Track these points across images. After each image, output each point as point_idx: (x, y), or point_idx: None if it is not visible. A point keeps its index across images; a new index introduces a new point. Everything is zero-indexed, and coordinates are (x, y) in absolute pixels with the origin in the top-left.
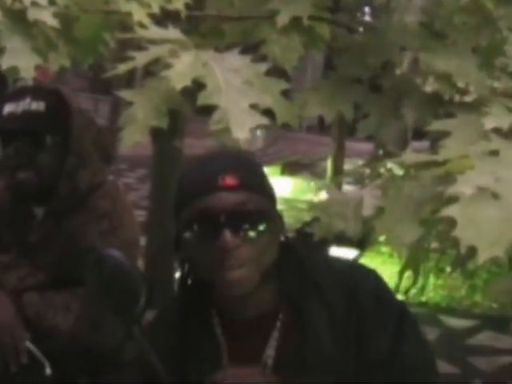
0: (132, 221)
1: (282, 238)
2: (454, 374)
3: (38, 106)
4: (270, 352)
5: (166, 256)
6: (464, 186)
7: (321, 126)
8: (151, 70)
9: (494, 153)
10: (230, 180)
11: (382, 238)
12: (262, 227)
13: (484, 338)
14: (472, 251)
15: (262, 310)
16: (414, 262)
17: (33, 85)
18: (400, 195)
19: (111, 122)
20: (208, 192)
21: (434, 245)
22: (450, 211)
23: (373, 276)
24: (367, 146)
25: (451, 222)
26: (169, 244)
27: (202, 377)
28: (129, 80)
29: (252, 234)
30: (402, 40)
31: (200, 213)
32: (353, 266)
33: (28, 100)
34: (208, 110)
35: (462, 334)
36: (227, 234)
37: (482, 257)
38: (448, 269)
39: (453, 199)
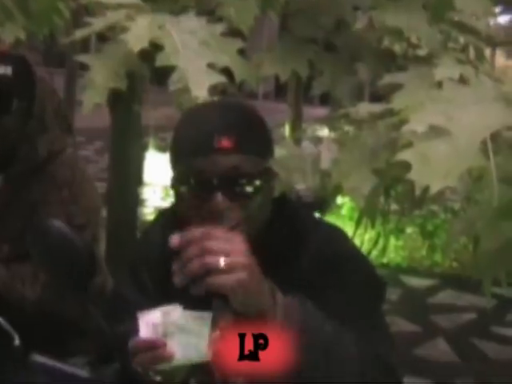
0: (92, 189)
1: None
2: (416, 333)
3: (5, 70)
4: None
5: (127, 227)
6: (417, 125)
7: (277, 93)
8: (107, 37)
9: (446, 96)
10: (225, 142)
11: (340, 201)
12: (255, 189)
13: (445, 296)
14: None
15: None
16: (370, 210)
17: None
18: (355, 145)
19: (67, 95)
20: (202, 153)
21: (394, 207)
22: (404, 155)
23: (354, 253)
24: (323, 111)
25: (405, 167)
26: (129, 215)
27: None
28: (83, 52)
29: (245, 196)
30: None
31: (193, 173)
32: (337, 238)
33: None
34: (162, 80)
35: (424, 293)
36: (219, 197)
37: (434, 188)
38: (408, 230)
39: (406, 145)
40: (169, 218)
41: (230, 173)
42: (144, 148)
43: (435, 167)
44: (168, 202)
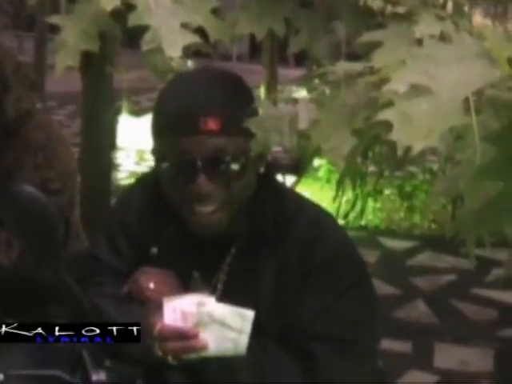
0: (68, 152)
1: (262, 170)
2: (396, 295)
3: None
4: (221, 276)
5: (101, 192)
6: (398, 84)
7: (251, 54)
8: None
9: (426, 54)
10: (211, 124)
11: (317, 163)
12: (239, 170)
13: (424, 258)
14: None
15: (223, 233)
16: (350, 171)
17: None
18: (334, 105)
19: (37, 59)
20: (187, 134)
21: (372, 168)
22: (385, 115)
23: (337, 236)
24: (299, 73)
25: (386, 127)
26: (103, 180)
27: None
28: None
29: (228, 177)
30: None
31: (177, 152)
32: (321, 220)
33: None
34: (134, 42)
35: (402, 255)
36: (202, 179)
37: (416, 148)
38: (386, 191)
39: (387, 104)
40: (149, 186)
41: (214, 155)
42: (117, 112)
43: (417, 126)
44: (142, 166)
